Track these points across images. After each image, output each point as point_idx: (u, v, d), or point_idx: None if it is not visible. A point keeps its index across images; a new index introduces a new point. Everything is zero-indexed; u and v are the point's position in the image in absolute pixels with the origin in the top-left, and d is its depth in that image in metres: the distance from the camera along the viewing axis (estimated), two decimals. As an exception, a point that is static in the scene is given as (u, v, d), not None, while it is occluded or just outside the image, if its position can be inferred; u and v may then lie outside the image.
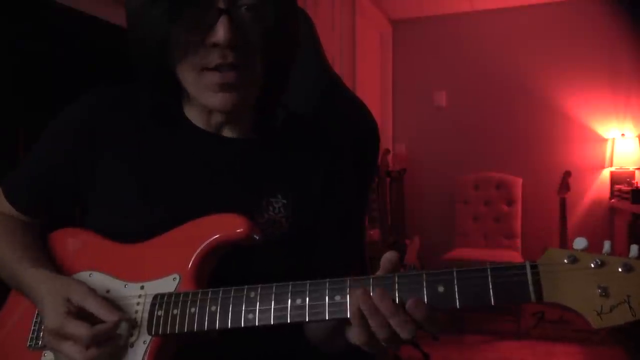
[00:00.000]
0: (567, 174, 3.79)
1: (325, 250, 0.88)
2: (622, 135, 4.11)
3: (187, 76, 0.76)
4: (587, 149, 4.25)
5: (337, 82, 1.34)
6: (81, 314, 0.72)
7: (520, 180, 4.26)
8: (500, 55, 4.41)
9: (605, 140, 4.19)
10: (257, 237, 0.75)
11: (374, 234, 3.32)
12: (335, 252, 0.88)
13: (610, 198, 4.12)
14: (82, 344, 0.70)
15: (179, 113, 0.87)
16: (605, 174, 4.18)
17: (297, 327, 0.83)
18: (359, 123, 1.33)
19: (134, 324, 0.73)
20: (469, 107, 4.55)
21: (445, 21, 4.59)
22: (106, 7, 1.68)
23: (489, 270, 0.60)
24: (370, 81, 4.29)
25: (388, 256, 0.67)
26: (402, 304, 0.63)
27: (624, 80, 4.13)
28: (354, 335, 0.66)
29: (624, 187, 3.87)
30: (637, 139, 4.07)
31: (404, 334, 0.62)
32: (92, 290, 0.74)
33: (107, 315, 0.71)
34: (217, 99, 0.76)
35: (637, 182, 3.90)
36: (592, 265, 0.58)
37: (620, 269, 0.57)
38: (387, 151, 4.12)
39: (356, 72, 3.80)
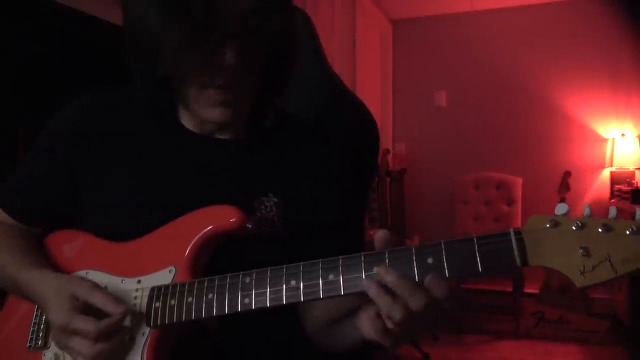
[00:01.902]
0: (567, 174, 3.79)
1: (321, 249, 0.88)
2: (622, 135, 4.11)
3: (188, 91, 0.78)
4: (587, 149, 4.25)
5: (336, 82, 1.34)
6: (87, 310, 0.73)
7: (520, 180, 4.26)
8: (500, 55, 4.41)
9: (605, 140, 4.19)
10: (250, 227, 0.76)
11: (374, 234, 3.32)
12: (332, 252, 0.88)
13: (610, 198, 4.12)
14: (90, 338, 0.70)
15: (172, 116, 0.88)
16: (605, 174, 4.18)
17: (294, 315, 0.85)
18: (358, 123, 1.33)
19: (138, 316, 0.74)
20: (469, 107, 4.55)
21: (445, 21, 4.59)
22: (106, 7, 1.68)
23: (475, 239, 0.62)
24: (370, 81, 4.29)
25: (379, 235, 0.68)
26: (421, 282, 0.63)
27: (624, 80, 4.13)
28: (367, 322, 0.66)
29: (624, 187, 3.87)
30: (637, 139, 4.07)
31: (421, 309, 0.61)
32: (97, 285, 0.75)
33: (113, 308, 0.72)
34: (215, 113, 0.78)
35: (637, 182, 3.90)
36: (574, 228, 0.60)
37: (600, 230, 0.59)
38: (387, 151, 4.12)
39: (356, 72, 3.80)
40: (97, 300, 0.73)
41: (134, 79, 0.81)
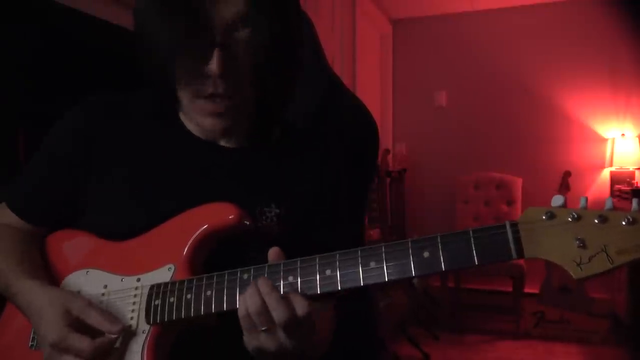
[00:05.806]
0: (567, 174, 3.79)
1: (321, 250, 0.88)
2: (622, 135, 4.11)
3: (183, 98, 0.79)
4: (587, 149, 4.25)
5: (336, 82, 1.34)
6: (80, 327, 0.72)
7: (520, 180, 4.26)
8: (500, 55, 4.41)
9: (605, 140, 4.20)
10: (248, 223, 0.77)
11: (374, 234, 3.32)
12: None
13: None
14: (83, 357, 0.70)
15: (176, 121, 0.88)
16: (605, 174, 4.18)
17: None
18: (358, 123, 1.33)
19: (132, 333, 0.74)
20: (469, 107, 4.55)
21: (445, 21, 4.59)
22: (106, 7, 1.68)
23: (471, 232, 0.63)
24: (370, 81, 4.29)
25: (272, 253, 0.71)
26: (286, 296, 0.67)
27: (624, 80, 4.13)
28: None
29: (624, 187, 3.87)
30: (637, 139, 4.07)
31: (282, 323, 0.65)
32: (91, 302, 0.75)
33: (109, 327, 0.72)
34: (208, 122, 0.79)
35: (637, 182, 3.91)
36: (569, 219, 0.60)
37: (596, 221, 0.59)
38: (387, 151, 4.12)
39: (356, 72, 3.80)
40: (93, 318, 0.73)
41: (144, 82, 0.82)
